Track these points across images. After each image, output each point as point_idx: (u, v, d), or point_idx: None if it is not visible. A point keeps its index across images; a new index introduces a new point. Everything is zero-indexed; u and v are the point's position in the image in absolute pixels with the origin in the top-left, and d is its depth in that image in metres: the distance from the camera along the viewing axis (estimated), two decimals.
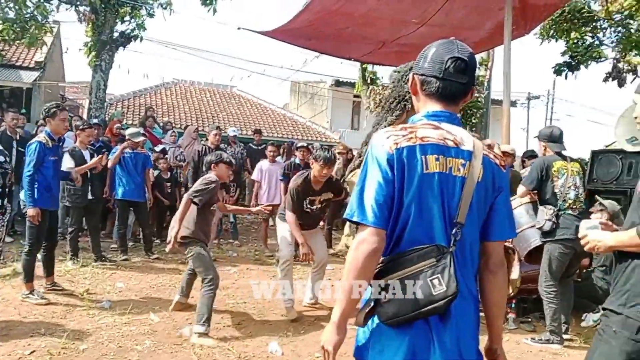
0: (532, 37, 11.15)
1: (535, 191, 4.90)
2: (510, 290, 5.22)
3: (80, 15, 12.42)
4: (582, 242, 2.39)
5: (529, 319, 5.23)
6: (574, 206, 4.69)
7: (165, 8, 13.26)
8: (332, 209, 7.90)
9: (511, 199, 5.00)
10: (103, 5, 12.36)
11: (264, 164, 8.46)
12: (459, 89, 1.72)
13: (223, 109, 20.03)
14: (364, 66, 14.30)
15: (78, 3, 12.42)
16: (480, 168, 1.66)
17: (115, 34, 12.76)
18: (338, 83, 22.23)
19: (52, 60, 17.48)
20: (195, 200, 4.61)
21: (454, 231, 1.61)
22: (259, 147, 11.23)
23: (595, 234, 2.33)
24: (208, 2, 12.42)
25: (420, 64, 1.76)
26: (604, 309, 2.22)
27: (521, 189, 4.91)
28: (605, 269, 5.57)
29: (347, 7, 8.10)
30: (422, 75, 1.74)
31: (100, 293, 5.54)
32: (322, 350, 1.69)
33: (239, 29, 9.33)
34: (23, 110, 13.75)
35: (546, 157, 4.92)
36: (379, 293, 1.64)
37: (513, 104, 24.20)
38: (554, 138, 4.96)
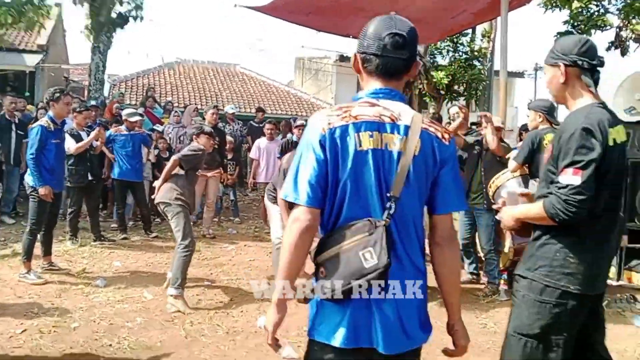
0: (536, 6, 10.92)
1: (527, 165, 4.86)
2: (501, 264, 5.24)
3: None
4: (499, 213, 2.49)
5: None
6: None
7: None
8: None
9: (502, 172, 5.02)
10: None
11: (261, 142, 8.45)
12: (399, 65, 1.71)
13: (226, 87, 19.96)
14: None
15: None
16: (418, 142, 1.65)
17: (114, 15, 12.68)
18: (342, 58, 21.93)
19: (55, 43, 17.46)
20: (182, 163, 4.94)
21: (388, 205, 1.62)
22: (260, 125, 11.20)
23: (507, 210, 2.42)
24: None
25: (360, 42, 1.74)
26: (515, 274, 2.29)
27: (512, 163, 4.87)
28: None
29: None
30: (362, 53, 1.73)
31: (97, 272, 5.62)
32: (264, 330, 1.73)
33: (235, 6, 9.16)
34: (27, 94, 13.82)
35: (538, 130, 4.87)
36: (316, 270, 1.67)
37: (520, 75, 23.81)
38: (553, 112, 4.93)
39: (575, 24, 10.06)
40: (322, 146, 1.62)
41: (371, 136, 1.63)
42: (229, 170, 8.61)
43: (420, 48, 12.25)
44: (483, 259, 5.48)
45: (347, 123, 1.63)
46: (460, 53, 13.11)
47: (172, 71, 20.30)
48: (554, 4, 10.88)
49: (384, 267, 1.56)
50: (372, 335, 1.63)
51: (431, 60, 13.12)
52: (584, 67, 2.17)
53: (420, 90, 13.14)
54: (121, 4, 12.96)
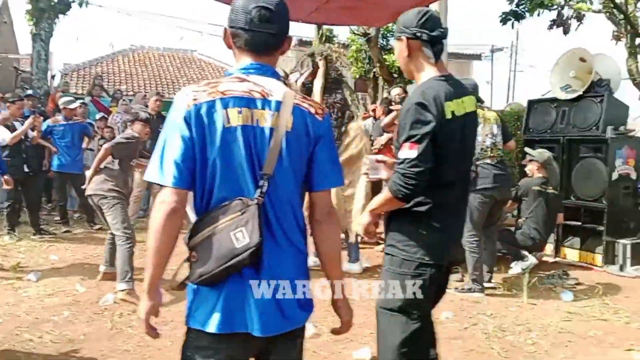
0: None
1: None
2: None
3: None
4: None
5: (457, 270, 5.29)
6: (492, 154, 4.71)
7: None
8: None
9: None
10: None
11: None
12: (267, 40, 1.66)
13: (183, 74, 19.63)
14: None
15: None
16: (290, 118, 1.61)
17: (55, 0, 12.24)
18: (301, 42, 21.81)
19: (1, 32, 16.88)
20: (114, 151, 4.76)
21: (261, 183, 1.58)
22: None
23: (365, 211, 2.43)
24: None
25: (229, 16, 1.68)
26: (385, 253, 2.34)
27: None
28: (537, 218, 5.66)
29: None
30: (232, 27, 1.68)
31: (32, 266, 5.48)
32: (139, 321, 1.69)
33: None
34: None
35: None
36: (189, 254, 1.61)
37: (477, 57, 24.05)
38: (477, 91, 4.96)
39: (520, 3, 10.15)
40: (188, 123, 1.55)
41: (240, 112, 1.57)
42: None
43: (373, 31, 12.24)
44: None
45: (213, 99, 1.57)
46: None
47: (127, 59, 19.85)
48: None
49: (256, 245, 1.52)
50: (247, 318, 1.58)
51: (384, 43, 13.12)
52: (424, 39, 2.17)
53: (375, 74, 13.16)
54: None
